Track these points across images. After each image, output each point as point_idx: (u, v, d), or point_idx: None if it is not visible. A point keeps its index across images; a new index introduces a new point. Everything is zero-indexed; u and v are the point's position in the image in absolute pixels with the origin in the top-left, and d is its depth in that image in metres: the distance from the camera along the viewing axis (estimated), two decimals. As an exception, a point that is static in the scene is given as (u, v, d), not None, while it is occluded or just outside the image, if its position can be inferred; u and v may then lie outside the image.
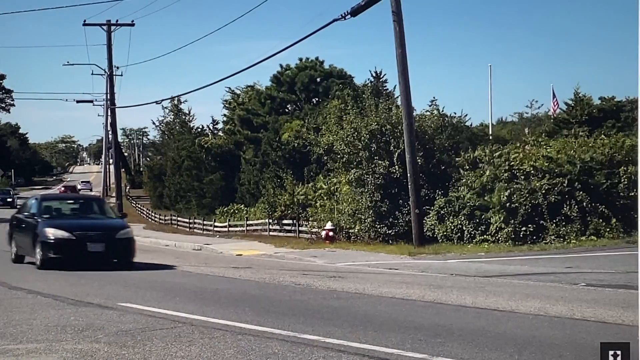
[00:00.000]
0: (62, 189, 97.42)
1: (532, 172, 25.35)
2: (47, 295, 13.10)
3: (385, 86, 47.09)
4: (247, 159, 52.15)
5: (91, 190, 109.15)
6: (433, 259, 22.20)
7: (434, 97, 34.46)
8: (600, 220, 24.39)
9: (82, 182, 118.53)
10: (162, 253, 28.08)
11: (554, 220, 24.31)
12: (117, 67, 57.91)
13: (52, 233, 18.47)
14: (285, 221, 36.41)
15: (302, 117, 48.34)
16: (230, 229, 41.86)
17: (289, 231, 35.45)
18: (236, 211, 47.33)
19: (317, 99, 52.37)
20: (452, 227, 25.85)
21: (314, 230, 32.64)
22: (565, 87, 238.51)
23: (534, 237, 24.23)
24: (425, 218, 26.39)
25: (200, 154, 60.45)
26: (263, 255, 26.12)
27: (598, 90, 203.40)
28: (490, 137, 38.59)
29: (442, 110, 30.37)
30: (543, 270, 17.94)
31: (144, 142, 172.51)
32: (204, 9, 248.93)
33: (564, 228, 24.17)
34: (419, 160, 26.40)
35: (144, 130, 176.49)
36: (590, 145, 27.08)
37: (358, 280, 16.15)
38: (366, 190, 28.88)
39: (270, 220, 37.57)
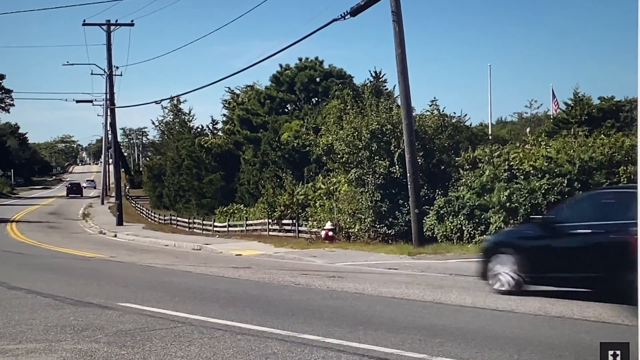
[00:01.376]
0: (69, 185, 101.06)
1: (532, 172, 25.35)
2: (47, 295, 13.10)
3: (385, 86, 47.13)
4: (246, 159, 52.14)
5: (95, 188, 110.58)
6: (432, 259, 22.19)
7: (434, 97, 34.49)
8: (600, 220, 24.37)
9: (86, 180, 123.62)
10: (162, 253, 28.08)
11: (554, 220, 24.28)
12: (117, 67, 57.92)
13: None
14: (284, 221, 36.40)
15: (301, 117, 48.33)
16: (229, 229, 41.84)
17: (289, 231, 35.44)
18: (236, 211, 47.31)
19: (316, 99, 52.36)
20: (452, 227, 25.86)
21: (313, 230, 32.64)
22: (565, 87, 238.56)
23: (534, 237, 24.20)
24: (425, 218, 26.40)
25: (200, 154, 60.46)
26: (262, 255, 26.11)
27: (597, 90, 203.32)
28: (490, 137, 38.62)
29: (442, 110, 30.43)
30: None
31: (144, 142, 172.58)
32: (203, 9, 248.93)
33: (563, 228, 24.15)
34: (418, 160, 26.41)
35: (143, 130, 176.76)
36: (589, 145, 27.06)
37: (357, 280, 16.15)
38: (366, 190, 28.90)
39: (270, 220, 37.56)
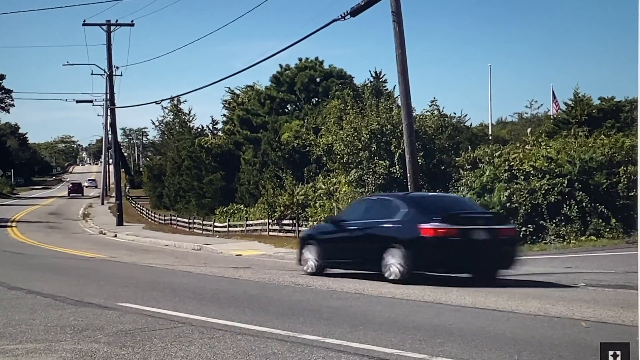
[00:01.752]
0: (70, 185, 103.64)
1: (532, 172, 25.36)
2: (47, 295, 13.10)
3: (385, 86, 47.14)
4: (246, 159, 52.15)
5: (96, 187, 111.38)
6: (433, 259, 22.12)
7: (434, 98, 34.63)
8: (600, 220, 24.39)
9: (88, 180, 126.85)
10: (162, 253, 28.07)
11: (554, 221, 24.29)
12: (117, 67, 57.95)
13: None
14: (284, 221, 36.40)
15: (301, 117, 48.35)
16: (229, 229, 41.84)
17: (289, 231, 35.43)
18: (236, 211, 47.33)
19: (316, 99, 52.39)
20: (452, 227, 25.83)
21: (313, 230, 32.61)
22: (565, 87, 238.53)
23: (534, 237, 24.21)
24: (425, 218, 26.36)
25: (200, 154, 60.47)
26: (262, 255, 26.11)
27: (597, 90, 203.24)
28: (490, 137, 38.65)
29: (442, 111, 30.47)
30: (543, 270, 17.93)
31: (144, 142, 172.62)
32: (204, 9, 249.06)
33: (563, 228, 24.16)
34: (419, 160, 26.39)
35: (143, 130, 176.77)
36: (590, 145, 27.08)
37: (357, 280, 16.14)
38: (366, 190, 28.88)
39: (270, 221, 37.56)
